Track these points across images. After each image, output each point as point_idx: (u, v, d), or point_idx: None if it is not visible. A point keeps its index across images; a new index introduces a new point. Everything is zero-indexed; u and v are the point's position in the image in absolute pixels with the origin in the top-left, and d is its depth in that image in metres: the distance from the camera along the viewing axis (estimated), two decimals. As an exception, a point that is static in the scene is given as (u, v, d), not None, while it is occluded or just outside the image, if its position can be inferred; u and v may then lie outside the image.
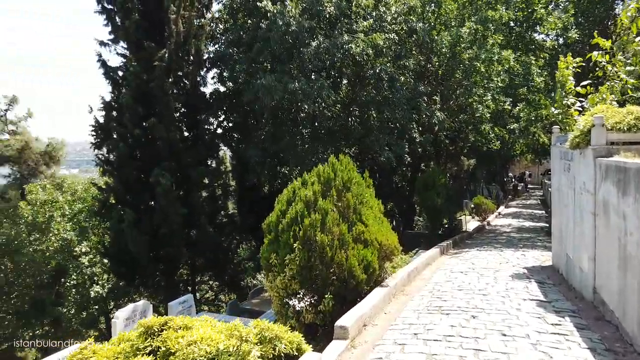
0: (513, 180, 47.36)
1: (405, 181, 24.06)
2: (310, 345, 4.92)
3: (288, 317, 7.77)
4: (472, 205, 23.06)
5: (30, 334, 15.08)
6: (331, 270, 7.44)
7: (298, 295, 7.57)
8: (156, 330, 4.00)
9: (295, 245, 7.55)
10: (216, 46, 17.34)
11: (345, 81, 17.16)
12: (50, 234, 16.13)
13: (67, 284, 15.94)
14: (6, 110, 23.27)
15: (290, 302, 7.61)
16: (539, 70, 17.24)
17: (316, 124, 16.29)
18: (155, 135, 14.15)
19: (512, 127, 26.33)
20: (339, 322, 6.01)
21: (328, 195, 8.16)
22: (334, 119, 16.48)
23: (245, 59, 15.23)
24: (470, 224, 20.92)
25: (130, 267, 14.22)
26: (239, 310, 15.50)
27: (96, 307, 16.52)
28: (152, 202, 14.23)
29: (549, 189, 29.00)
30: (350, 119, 15.78)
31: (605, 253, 6.34)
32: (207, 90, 17.81)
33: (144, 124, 14.07)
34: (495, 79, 17.02)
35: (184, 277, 19.15)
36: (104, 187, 15.31)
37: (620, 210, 5.59)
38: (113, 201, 14.76)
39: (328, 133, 16.43)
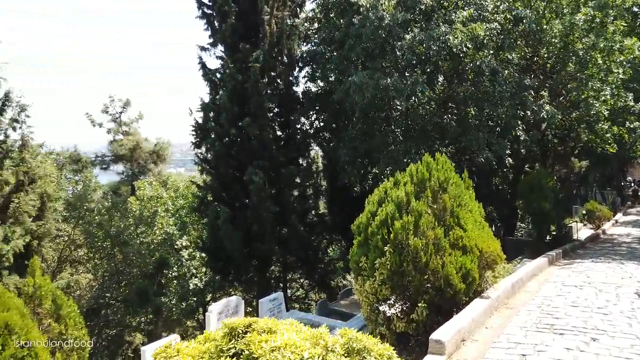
0: (632, 184, 42.31)
1: (506, 184, 22.37)
2: (402, 359, 4.49)
3: (378, 323, 7.36)
4: (584, 212, 20.82)
5: (137, 320, 16.28)
6: (425, 277, 6.90)
7: (388, 302, 7.13)
8: (240, 331, 3.84)
9: (385, 248, 7.13)
10: (309, 46, 17.40)
11: (441, 77, 16.30)
12: (155, 228, 17.30)
13: (169, 275, 16.97)
14: (121, 112, 25.63)
15: (381, 308, 7.19)
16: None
17: (409, 122, 15.65)
18: (250, 134, 14.50)
19: (632, 126, 23.34)
20: (434, 335, 5.49)
21: (422, 196, 7.62)
22: (428, 117, 15.71)
23: (336, 56, 15.07)
24: (582, 232, 18.87)
25: (225, 262, 14.72)
26: (328, 310, 15.36)
27: (195, 298, 17.40)
28: (247, 200, 14.59)
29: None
30: (445, 117, 14.92)
31: None
32: (300, 89, 17.90)
33: (239, 123, 14.48)
34: (616, 71, 15.06)
35: (276, 274, 19.54)
36: (201, 184, 16.05)
37: None
38: (210, 198, 15.41)
39: (421, 132, 15.71)
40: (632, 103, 17.90)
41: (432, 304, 6.82)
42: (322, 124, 18.04)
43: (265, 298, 11.75)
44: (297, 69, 17.06)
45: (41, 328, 9.74)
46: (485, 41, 14.16)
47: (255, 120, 14.43)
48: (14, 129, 10.68)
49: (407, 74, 13.79)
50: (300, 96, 17.55)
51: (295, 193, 17.45)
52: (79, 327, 9.92)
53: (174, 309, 16.36)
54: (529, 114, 15.19)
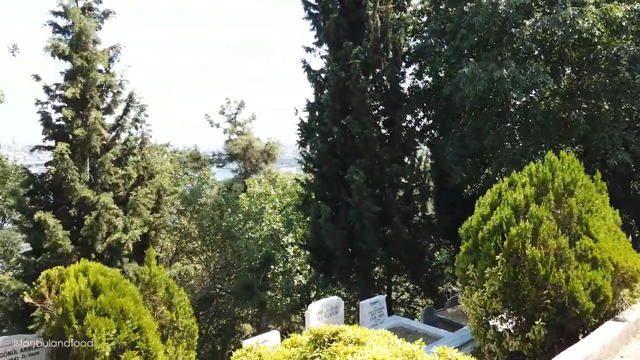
0: None
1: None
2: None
3: (487, 339, 6.66)
4: None
5: (244, 312, 17.00)
6: (544, 292, 6.06)
7: (500, 316, 6.42)
8: (326, 339, 3.57)
9: (498, 257, 6.40)
10: (417, 40, 16.71)
11: (568, 68, 14.55)
12: (263, 224, 17.92)
13: (275, 270, 17.47)
14: (235, 113, 27.15)
15: (491, 323, 6.50)
16: None
17: (528, 118, 14.21)
18: (352, 132, 14.29)
19: None
20: (556, 361, 4.74)
21: (543, 200, 6.73)
22: (551, 113, 14.11)
23: (447, 49, 14.21)
24: None
25: (327, 261, 14.71)
26: (434, 318, 14.60)
27: (299, 295, 17.69)
28: (349, 199, 14.40)
29: None
30: (573, 113, 13.24)
31: None
32: (406, 86, 17.28)
33: (342, 121, 14.34)
34: None
35: (380, 275, 19.14)
36: (305, 183, 16.23)
37: None
38: (313, 196, 15.50)
39: (542, 129, 14.18)
40: None
41: (553, 323, 5.97)
42: (429, 121, 17.22)
43: (366, 300, 11.46)
44: (403, 64, 16.47)
45: (155, 314, 10.55)
46: (624, 24, 12.31)
47: (357, 118, 14.18)
48: (136, 127, 11.66)
49: (526, 65, 12.49)
50: (407, 93, 16.94)
51: (401, 193, 16.90)
52: (189, 316, 10.55)
53: (278, 304, 16.81)
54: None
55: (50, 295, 8.09)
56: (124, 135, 11.80)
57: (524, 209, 6.64)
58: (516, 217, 6.62)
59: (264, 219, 17.85)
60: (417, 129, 17.33)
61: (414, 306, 20.94)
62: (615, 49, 12.15)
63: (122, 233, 10.25)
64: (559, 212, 6.65)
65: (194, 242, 19.17)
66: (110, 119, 11.81)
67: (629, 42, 12.54)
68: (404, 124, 16.58)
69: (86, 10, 11.23)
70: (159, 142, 24.18)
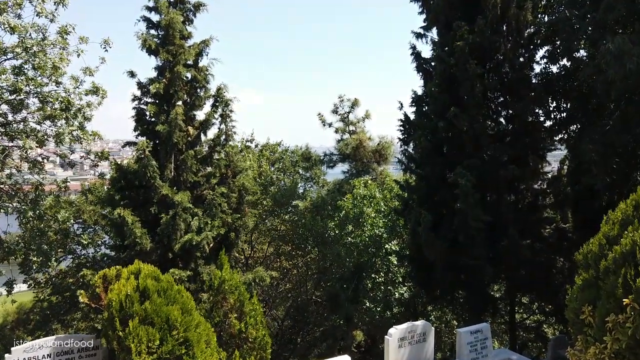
0: None
1: None
2: None
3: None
4: None
5: (331, 323, 15.83)
6: None
7: (626, 391, 4.39)
8: None
9: (627, 300, 4.36)
10: (549, 17, 13.86)
11: None
12: (366, 229, 16.63)
13: (376, 279, 16.06)
14: (349, 112, 26.23)
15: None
16: None
17: None
18: (459, 127, 12.20)
19: None
20: None
21: None
22: None
23: (587, 23, 11.39)
24: None
25: (428, 275, 12.88)
26: (562, 355, 11.89)
27: (403, 308, 16.02)
28: (457, 205, 12.38)
29: None
30: None
31: None
32: (536, 73, 14.45)
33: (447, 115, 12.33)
34: None
35: (501, 293, 16.54)
36: (404, 185, 14.49)
37: None
38: (415, 200, 13.72)
39: None
40: None
41: None
42: (564, 114, 14.18)
43: (465, 329, 9.50)
44: (531, 47, 13.77)
45: (227, 322, 9.96)
46: None
47: (465, 110, 12.08)
48: (225, 124, 11.28)
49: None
50: (535, 81, 14.18)
51: (529, 201, 14.22)
52: (260, 327, 9.78)
53: (377, 316, 15.37)
54: None
55: (106, 296, 7.95)
56: (211, 132, 11.55)
57: (674, 231, 4.47)
58: (660, 242, 4.48)
59: (366, 224, 16.55)
60: (548, 123, 14.41)
61: (543, 333, 17.72)
62: None
63: (194, 234, 9.87)
64: None
65: (286, 246, 18.60)
66: (200, 115, 11.68)
67: None
68: (530, 119, 13.87)
69: (177, 4, 11.18)
70: (271, 141, 24.57)
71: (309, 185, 23.90)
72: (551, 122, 14.50)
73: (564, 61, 13.67)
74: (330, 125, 26.10)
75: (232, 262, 11.79)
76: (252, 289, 10.60)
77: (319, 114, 26.20)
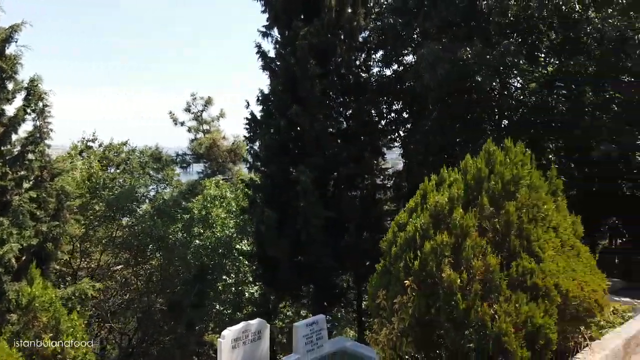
0: None
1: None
2: None
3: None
4: None
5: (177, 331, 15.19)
6: (465, 333, 4.37)
7: (413, 364, 4.77)
8: None
9: (407, 282, 4.73)
10: (378, 22, 14.97)
11: (545, 51, 12.78)
12: (215, 230, 16.21)
13: (227, 281, 15.73)
14: (202, 110, 25.44)
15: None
16: None
17: (503, 108, 12.49)
18: (301, 125, 12.54)
19: None
20: None
21: (475, 204, 5.05)
22: (530, 101, 12.39)
23: (409, 30, 12.50)
24: None
25: (272, 273, 12.99)
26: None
27: (254, 308, 15.92)
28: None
29: None
30: (550, 98, 11.52)
31: None
32: (373, 75, 15.48)
33: (288, 114, 12.57)
34: None
35: (347, 287, 17.41)
36: (249, 183, 14.47)
37: None
38: (260, 199, 13.74)
39: (521, 120, 12.50)
40: None
41: (477, 382, 4.30)
42: (396, 115, 15.46)
43: (301, 322, 9.71)
44: (365, 50, 14.73)
45: (39, 344, 8.80)
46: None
47: (307, 109, 12.45)
48: (39, 119, 9.98)
49: (496, 44, 10.78)
50: (372, 83, 15.21)
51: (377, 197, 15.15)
52: (81, 346, 8.82)
53: (226, 319, 15.06)
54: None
55: None
56: (23, 130, 10.11)
57: (447, 216, 4.95)
58: (435, 227, 4.92)
59: (215, 225, 16.13)
60: (382, 123, 15.57)
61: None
62: (599, 26, 10.40)
63: (-4, 246, 8.54)
64: (496, 220, 4.94)
65: (125, 253, 17.32)
66: (9, 110, 10.15)
67: (614, 20, 10.78)
68: (367, 118, 14.81)
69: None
70: (116, 140, 22.66)
71: (162, 187, 22.62)
72: (385, 122, 15.71)
73: (395, 65, 14.86)
74: (182, 124, 25.04)
75: (52, 275, 10.47)
76: (73, 304, 9.52)
77: (170, 112, 24.96)
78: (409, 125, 15.97)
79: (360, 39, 14.36)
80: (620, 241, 24.25)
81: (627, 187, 18.89)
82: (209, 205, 16.61)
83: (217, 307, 15.01)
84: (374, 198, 15.18)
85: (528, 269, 4.42)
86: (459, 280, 4.38)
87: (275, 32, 14.66)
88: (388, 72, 15.25)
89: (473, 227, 4.73)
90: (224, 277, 15.80)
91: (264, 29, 14.83)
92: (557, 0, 10.06)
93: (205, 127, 24.88)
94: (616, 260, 21.83)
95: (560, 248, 4.86)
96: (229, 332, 8.55)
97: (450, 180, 5.52)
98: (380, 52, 15.28)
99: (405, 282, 4.78)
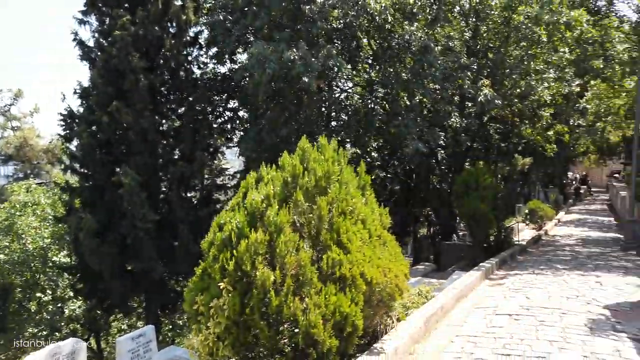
0: (574, 182, 42.10)
1: (445, 182, 20.49)
2: None
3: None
4: (527, 211, 19.39)
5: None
6: (281, 330, 4.42)
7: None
8: None
9: (222, 284, 4.59)
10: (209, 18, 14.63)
11: (366, 55, 13.95)
12: (26, 241, 14.00)
13: (42, 299, 13.72)
14: (11, 104, 21.89)
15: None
16: (622, 36, 13.16)
17: (331, 108, 13.26)
18: (124, 122, 11.54)
19: (576, 123, 22.21)
20: None
21: (290, 200, 5.14)
22: (353, 102, 13.40)
23: (239, 28, 12.40)
24: (525, 232, 17.23)
25: (93, 285, 11.74)
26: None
27: (79, 326, 14.17)
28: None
29: (620, 193, 24.55)
30: (369, 100, 12.58)
31: None
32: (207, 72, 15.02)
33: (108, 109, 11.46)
34: (562, 50, 13.20)
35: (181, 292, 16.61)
36: (65, 186, 12.87)
37: None
38: (79, 204, 12.29)
39: (350, 121, 13.40)
40: (575, 89, 16.23)
41: (294, 372, 4.38)
42: (231, 113, 15.28)
43: (125, 336, 8.86)
44: (197, 45, 14.24)
45: None
46: (415, 10, 11.97)
47: (131, 104, 11.53)
48: None
49: (319, 48, 11.31)
50: (207, 80, 14.77)
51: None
52: None
53: (41, 342, 13.14)
54: (468, 94, 13.06)
55: None
56: None
57: (261, 214, 4.94)
58: (251, 225, 4.87)
59: (25, 235, 13.94)
60: (219, 121, 15.26)
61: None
62: (407, 36, 11.66)
63: None
64: (311, 215, 5.10)
65: None
66: None
67: (419, 32, 12.22)
68: (201, 117, 14.31)
69: None
70: None
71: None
72: (222, 121, 15.42)
73: (229, 63, 14.66)
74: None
75: None
76: None
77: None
78: (248, 125, 15.94)
79: (192, 34, 13.82)
80: (433, 229, 27.79)
81: (437, 181, 21.78)
82: (16, 213, 14.26)
83: (30, 330, 12.97)
84: (211, 198, 14.80)
85: (337, 260, 4.64)
86: (272, 277, 4.40)
87: (94, 19, 13.26)
88: (223, 69, 15.00)
89: (287, 223, 4.80)
90: (39, 294, 13.73)
91: (80, 15, 13.30)
92: (370, 9, 10.97)
93: (15, 123, 21.39)
94: (432, 247, 24.95)
95: (367, 239, 5.23)
96: (34, 357, 7.38)
97: (268, 177, 5.55)
98: (215, 49, 14.94)
99: (219, 284, 4.65)
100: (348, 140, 14.10)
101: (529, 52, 13.24)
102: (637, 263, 10.71)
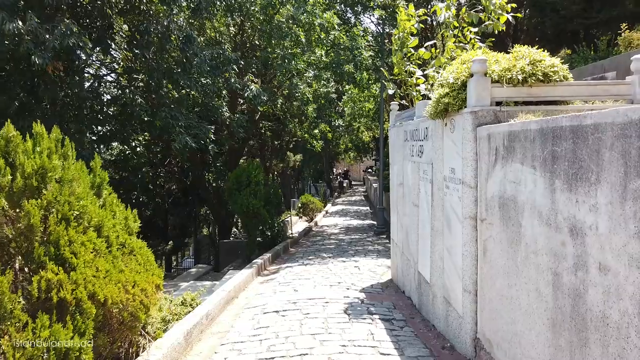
0: (338, 177, 47.34)
1: (222, 179, 20.19)
2: None
3: None
4: (299, 205, 20.58)
5: None
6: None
7: None
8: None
9: None
10: None
11: (122, 40, 12.31)
12: None
13: None
14: None
15: None
16: (367, 44, 14.83)
17: (86, 102, 11.23)
18: None
19: (337, 124, 24.71)
20: None
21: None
22: (106, 92, 11.67)
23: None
24: (298, 225, 18.18)
25: None
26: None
27: None
28: None
29: (373, 185, 28.42)
30: (127, 90, 11.13)
31: (500, 284, 3.51)
32: None
33: None
34: (319, 52, 14.13)
35: None
36: None
37: (544, 213, 2.74)
38: None
39: (102, 111, 11.61)
40: (334, 93, 17.81)
41: None
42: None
43: None
44: None
45: None
46: (174, -4, 10.99)
47: None
48: None
49: (56, 23, 9.32)
50: None
51: None
52: None
53: None
54: (238, 92, 12.81)
55: None
56: None
57: None
58: None
59: None
60: None
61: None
62: (166, 22, 10.63)
63: None
64: (19, 225, 3.82)
65: None
66: None
67: (182, 19, 11.34)
68: None
69: None
70: None
71: None
72: None
73: None
74: None
75: None
76: None
77: None
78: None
79: None
80: (212, 229, 27.20)
81: (213, 179, 21.23)
82: None
83: None
84: None
85: (54, 281, 3.55)
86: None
87: None
88: None
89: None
90: None
91: None
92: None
93: None
94: (212, 247, 24.28)
95: (104, 250, 4.22)
96: None
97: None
98: None
99: None
100: (109, 134, 12.33)
101: (291, 51, 13.75)
102: (387, 246, 12.00)
